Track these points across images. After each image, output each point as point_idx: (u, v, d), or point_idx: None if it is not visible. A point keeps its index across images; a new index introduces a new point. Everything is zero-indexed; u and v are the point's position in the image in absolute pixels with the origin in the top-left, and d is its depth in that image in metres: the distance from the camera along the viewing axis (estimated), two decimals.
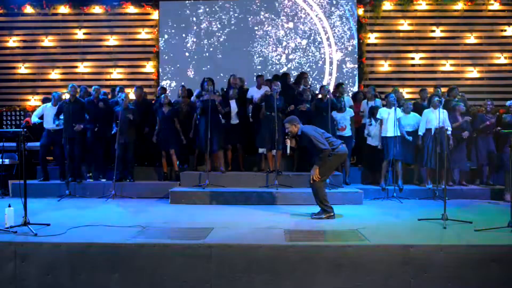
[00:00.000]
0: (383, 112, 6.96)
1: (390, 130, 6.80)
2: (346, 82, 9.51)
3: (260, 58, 9.85)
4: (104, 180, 7.37)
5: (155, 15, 9.99)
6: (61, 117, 7.08)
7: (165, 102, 7.27)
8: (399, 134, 6.79)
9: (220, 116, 7.13)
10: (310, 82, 8.05)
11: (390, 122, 6.80)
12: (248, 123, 7.76)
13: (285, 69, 9.71)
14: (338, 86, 7.81)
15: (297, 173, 7.05)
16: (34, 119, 7.68)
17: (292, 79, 8.44)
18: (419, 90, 8.23)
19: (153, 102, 8.10)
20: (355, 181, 7.51)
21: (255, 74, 8.89)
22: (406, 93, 9.33)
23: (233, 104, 7.34)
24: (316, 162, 5.05)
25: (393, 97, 6.90)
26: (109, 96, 8.11)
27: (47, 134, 7.39)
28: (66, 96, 7.51)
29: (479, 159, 7.23)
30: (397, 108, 6.85)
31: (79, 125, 7.08)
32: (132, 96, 8.46)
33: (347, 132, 7.25)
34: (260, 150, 7.22)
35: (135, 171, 7.43)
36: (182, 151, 7.49)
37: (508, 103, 7.25)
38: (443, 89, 8.07)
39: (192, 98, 7.74)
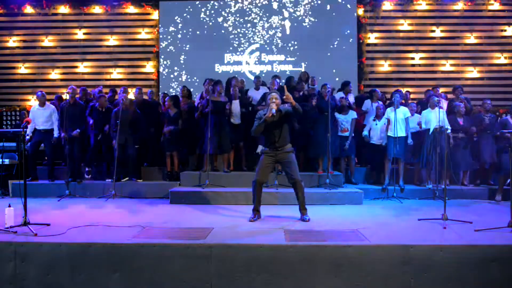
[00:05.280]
0: (388, 112, 7.00)
1: (392, 130, 6.80)
2: None
3: (260, 58, 9.84)
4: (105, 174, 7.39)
5: (155, 15, 10.00)
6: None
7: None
8: (400, 134, 6.79)
9: (226, 117, 7.16)
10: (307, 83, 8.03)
11: (392, 122, 6.80)
12: (250, 123, 7.71)
13: (284, 69, 9.71)
14: (344, 85, 7.78)
15: None
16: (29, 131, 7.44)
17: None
18: (425, 91, 8.18)
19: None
20: (357, 180, 7.49)
21: (254, 74, 8.89)
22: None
23: (235, 104, 7.33)
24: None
25: (394, 98, 6.91)
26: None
27: (36, 133, 7.34)
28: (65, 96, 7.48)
29: (482, 159, 7.21)
30: (407, 109, 6.98)
31: (76, 131, 7.09)
32: (131, 96, 8.42)
33: (348, 133, 7.26)
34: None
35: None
36: (183, 153, 7.50)
37: None
38: (443, 89, 8.05)
39: (197, 101, 7.71)
